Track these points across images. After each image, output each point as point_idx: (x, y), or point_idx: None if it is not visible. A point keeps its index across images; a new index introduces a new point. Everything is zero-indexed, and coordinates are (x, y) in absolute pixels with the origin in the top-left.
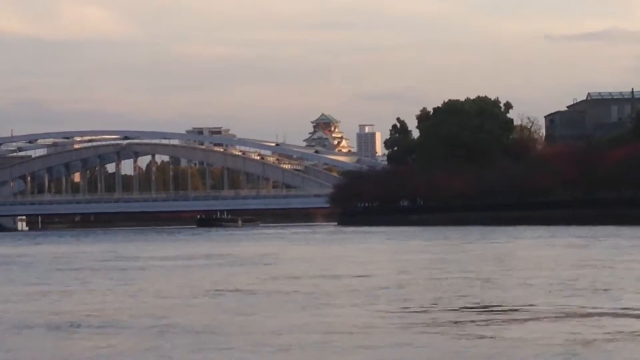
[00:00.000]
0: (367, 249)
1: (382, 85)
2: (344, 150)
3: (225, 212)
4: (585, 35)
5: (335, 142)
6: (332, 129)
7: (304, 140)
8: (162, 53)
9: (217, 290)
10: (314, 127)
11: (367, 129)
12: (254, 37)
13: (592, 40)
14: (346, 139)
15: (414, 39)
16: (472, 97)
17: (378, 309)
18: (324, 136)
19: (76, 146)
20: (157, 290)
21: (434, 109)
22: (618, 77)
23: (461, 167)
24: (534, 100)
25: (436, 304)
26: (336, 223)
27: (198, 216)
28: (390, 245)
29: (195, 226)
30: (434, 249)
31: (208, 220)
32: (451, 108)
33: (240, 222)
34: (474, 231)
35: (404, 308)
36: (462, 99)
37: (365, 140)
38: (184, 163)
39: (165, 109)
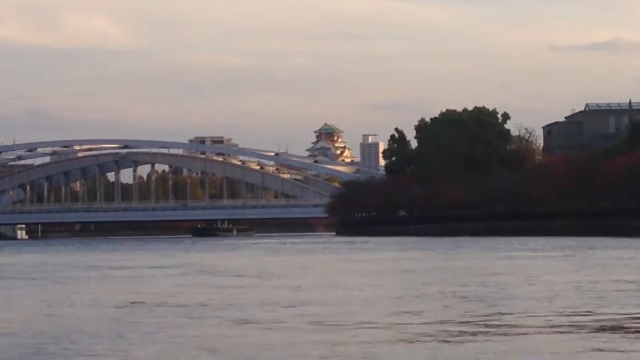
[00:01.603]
0: (327, 260)
1: (386, 95)
2: (347, 160)
3: (226, 222)
4: (590, 46)
5: (338, 151)
6: (335, 138)
7: (307, 150)
8: (166, 62)
9: (115, 302)
10: (317, 136)
11: (370, 139)
12: (258, 47)
13: (597, 50)
14: (349, 149)
15: (418, 49)
16: (476, 106)
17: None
18: (327, 146)
19: (80, 154)
20: (54, 300)
21: (432, 119)
22: (621, 88)
23: (458, 177)
24: (535, 111)
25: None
26: (334, 233)
27: (199, 225)
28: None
29: (191, 235)
30: (408, 263)
31: (203, 230)
32: (449, 118)
33: (235, 231)
34: (464, 242)
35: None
36: (469, 108)
37: (369, 150)
38: (185, 172)
39: (168, 118)
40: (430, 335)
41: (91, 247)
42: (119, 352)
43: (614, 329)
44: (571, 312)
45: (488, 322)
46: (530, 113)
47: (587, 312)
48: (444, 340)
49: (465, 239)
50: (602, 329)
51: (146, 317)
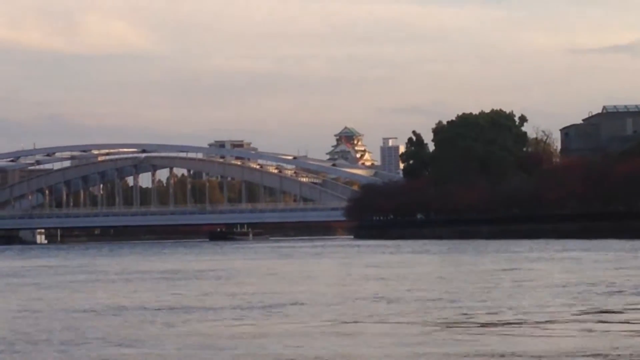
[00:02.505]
0: (325, 266)
1: (406, 98)
2: (367, 163)
3: (246, 226)
4: (611, 48)
5: (358, 155)
6: (355, 142)
7: (327, 154)
8: (185, 67)
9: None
10: (337, 140)
11: (390, 142)
12: (278, 51)
13: (618, 53)
14: (369, 152)
15: (438, 52)
16: (493, 109)
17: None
18: (347, 149)
19: (100, 159)
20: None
21: (448, 122)
22: None
23: (475, 181)
24: (554, 113)
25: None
26: (352, 236)
27: (218, 229)
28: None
29: (207, 240)
30: (415, 268)
31: (220, 234)
32: (465, 121)
33: (251, 235)
34: (476, 245)
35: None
36: (489, 110)
37: (389, 153)
38: (204, 176)
39: (188, 122)
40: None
41: (101, 252)
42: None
43: None
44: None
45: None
46: (550, 116)
47: None
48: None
49: (479, 242)
50: None
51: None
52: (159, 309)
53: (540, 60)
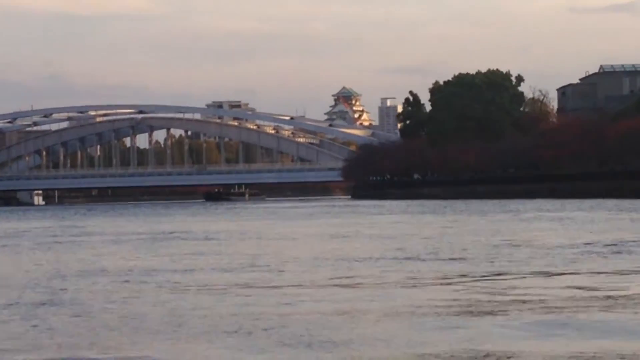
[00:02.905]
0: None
1: (405, 58)
2: (365, 123)
3: (243, 186)
4: (610, 7)
5: (357, 115)
6: (354, 102)
7: (325, 114)
8: (184, 27)
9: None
10: (335, 100)
11: (388, 102)
12: (277, 11)
13: (617, 12)
14: (367, 112)
15: (437, 12)
16: (490, 69)
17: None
18: (345, 109)
19: (98, 119)
20: None
21: (445, 82)
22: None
23: (471, 141)
24: (553, 73)
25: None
26: (350, 196)
27: (216, 190)
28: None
29: (203, 200)
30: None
31: (216, 194)
32: (462, 81)
33: (247, 196)
34: (471, 205)
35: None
36: (488, 70)
37: (387, 113)
38: (202, 137)
39: (186, 83)
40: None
41: (95, 213)
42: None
43: None
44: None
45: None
46: (548, 76)
47: None
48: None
49: (475, 201)
50: None
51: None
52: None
53: (540, 20)
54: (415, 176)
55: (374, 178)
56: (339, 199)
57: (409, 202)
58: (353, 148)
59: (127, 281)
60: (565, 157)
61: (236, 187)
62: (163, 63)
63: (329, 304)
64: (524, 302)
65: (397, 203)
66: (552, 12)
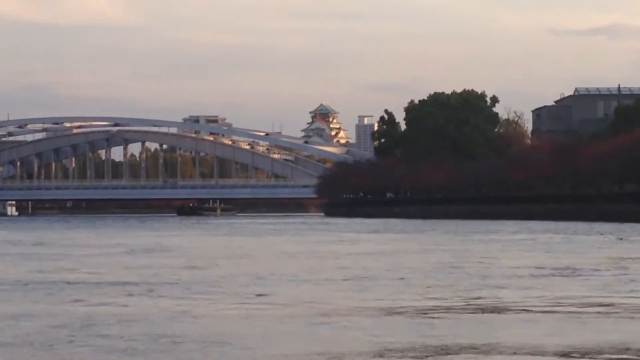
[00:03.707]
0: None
1: (383, 76)
2: (342, 140)
3: (218, 201)
4: (589, 31)
5: (333, 132)
6: (331, 119)
7: (302, 130)
8: (162, 40)
9: None
10: (312, 117)
11: (366, 120)
12: (255, 25)
13: (595, 35)
14: (344, 130)
15: (416, 30)
16: (465, 89)
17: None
18: (322, 127)
19: (75, 131)
20: None
21: (420, 101)
22: (617, 72)
23: (445, 160)
24: (529, 94)
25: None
26: (323, 214)
27: (191, 204)
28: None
29: (175, 214)
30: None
31: (187, 209)
32: (437, 101)
33: (218, 211)
34: (432, 224)
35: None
36: (466, 89)
37: (364, 131)
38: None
39: (163, 96)
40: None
41: (59, 225)
42: None
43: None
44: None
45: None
46: (524, 97)
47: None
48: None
49: (445, 221)
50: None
51: None
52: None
53: (518, 40)
54: (388, 195)
55: (347, 196)
56: (311, 216)
57: (376, 220)
58: (329, 165)
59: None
60: (537, 178)
61: (210, 202)
62: (139, 76)
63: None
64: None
65: (362, 221)
66: (531, 33)
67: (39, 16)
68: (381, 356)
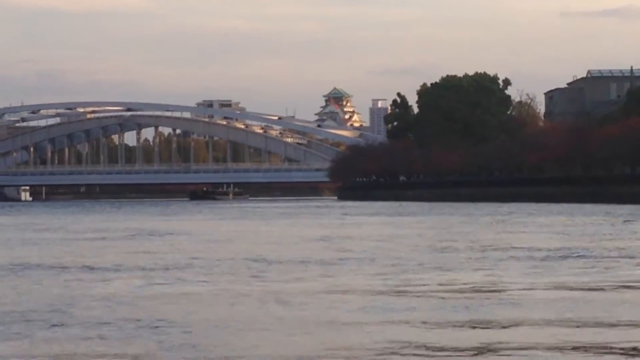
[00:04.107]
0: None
1: (396, 60)
2: (356, 124)
3: (232, 185)
4: (601, 12)
5: (347, 116)
6: (344, 103)
7: (316, 114)
8: (175, 25)
9: None
10: (326, 101)
11: (380, 104)
12: (269, 10)
13: (608, 16)
14: (358, 114)
15: (429, 14)
16: (477, 72)
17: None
18: (335, 110)
19: (88, 116)
20: None
21: (432, 84)
22: (629, 54)
23: (458, 143)
24: (542, 77)
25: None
26: (336, 197)
27: (204, 189)
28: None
29: (187, 199)
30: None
31: (200, 193)
32: (449, 84)
33: (231, 195)
34: (450, 208)
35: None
36: (477, 72)
37: (378, 114)
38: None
39: (177, 81)
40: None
41: (68, 210)
42: None
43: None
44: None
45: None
46: (537, 79)
47: None
48: None
49: (459, 204)
50: None
51: None
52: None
53: (531, 23)
54: (401, 178)
55: (360, 179)
56: (325, 199)
57: (391, 203)
58: (342, 149)
59: None
60: (550, 161)
61: (224, 186)
62: (152, 61)
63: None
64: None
65: (377, 204)
66: (544, 15)
67: (52, 2)
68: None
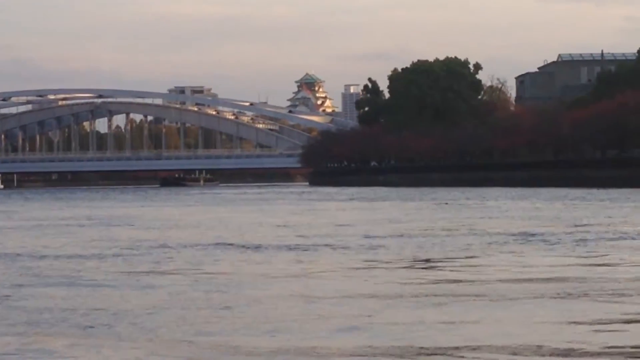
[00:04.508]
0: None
1: (369, 45)
2: (328, 110)
3: (204, 172)
4: None
5: (319, 102)
6: (316, 88)
7: (288, 100)
8: (146, 12)
9: None
10: (298, 86)
11: (352, 89)
12: None
13: (582, 1)
14: (330, 99)
15: None
16: (448, 56)
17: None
18: (307, 96)
19: (60, 103)
20: None
21: (403, 69)
22: (602, 39)
23: (429, 128)
24: (514, 61)
25: None
26: (307, 183)
27: (176, 175)
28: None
29: (158, 185)
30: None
31: (171, 180)
32: (420, 69)
33: (202, 181)
34: (411, 192)
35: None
36: (450, 57)
37: (351, 100)
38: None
39: (148, 68)
40: None
41: (32, 197)
42: None
43: None
44: None
45: None
46: (509, 64)
47: None
48: None
49: (427, 189)
50: None
51: None
52: None
53: (504, 7)
54: (372, 163)
55: (332, 165)
56: (296, 185)
57: (359, 189)
58: (314, 135)
59: None
60: (520, 145)
61: (196, 172)
62: (123, 48)
63: None
64: None
65: (348, 190)
66: (519, 0)
67: None
68: None
